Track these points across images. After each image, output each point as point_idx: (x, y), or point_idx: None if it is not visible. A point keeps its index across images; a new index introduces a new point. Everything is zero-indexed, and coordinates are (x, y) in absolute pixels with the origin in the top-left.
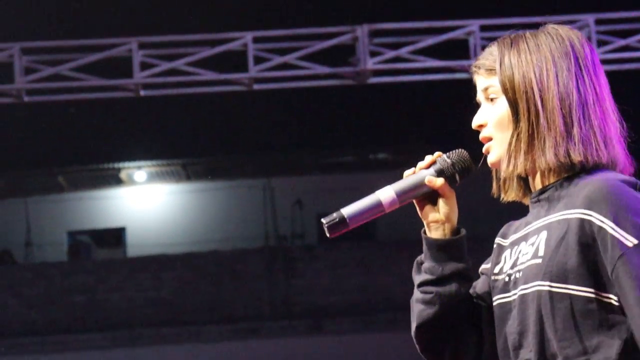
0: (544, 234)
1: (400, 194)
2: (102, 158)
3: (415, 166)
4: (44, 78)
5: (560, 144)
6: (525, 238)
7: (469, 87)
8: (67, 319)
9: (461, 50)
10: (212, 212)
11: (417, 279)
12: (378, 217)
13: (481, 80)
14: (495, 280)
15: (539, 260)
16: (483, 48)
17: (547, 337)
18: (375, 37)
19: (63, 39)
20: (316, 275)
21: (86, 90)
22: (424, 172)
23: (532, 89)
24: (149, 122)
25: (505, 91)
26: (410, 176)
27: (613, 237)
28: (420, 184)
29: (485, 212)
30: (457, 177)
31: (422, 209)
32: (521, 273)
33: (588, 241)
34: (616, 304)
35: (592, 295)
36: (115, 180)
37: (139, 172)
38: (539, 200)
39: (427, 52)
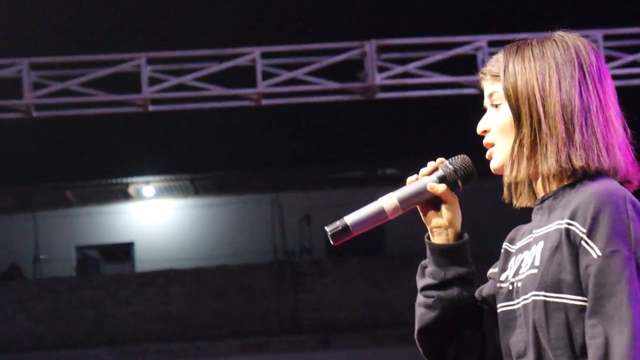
0: (541, 244)
1: (403, 201)
2: (110, 173)
3: (418, 173)
4: (52, 93)
5: (562, 150)
6: (528, 247)
7: (477, 102)
8: (75, 333)
9: (469, 65)
10: (221, 227)
11: (420, 283)
12: (381, 224)
13: (487, 86)
14: (501, 288)
15: (535, 271)
16: None
17: (543, 346)
18: (384, 53)
19: (71, 55)
20: (324, 290)
21: (94, 106)
22: (426, 178)
23: (534, 95)
24: (157, 137)
25: (508, 97)
26: (413, 183)
27: (584, 248)
28: (423, 191)
29: (493, 221)
30: (460, 183)
31: (425, 214)
32: (521, 283)
33: (576, 250)
34: None
35: (585, 304)
36: (123, 195)
37: (147, 187)
38: (541, 208)
39: (435, 67)
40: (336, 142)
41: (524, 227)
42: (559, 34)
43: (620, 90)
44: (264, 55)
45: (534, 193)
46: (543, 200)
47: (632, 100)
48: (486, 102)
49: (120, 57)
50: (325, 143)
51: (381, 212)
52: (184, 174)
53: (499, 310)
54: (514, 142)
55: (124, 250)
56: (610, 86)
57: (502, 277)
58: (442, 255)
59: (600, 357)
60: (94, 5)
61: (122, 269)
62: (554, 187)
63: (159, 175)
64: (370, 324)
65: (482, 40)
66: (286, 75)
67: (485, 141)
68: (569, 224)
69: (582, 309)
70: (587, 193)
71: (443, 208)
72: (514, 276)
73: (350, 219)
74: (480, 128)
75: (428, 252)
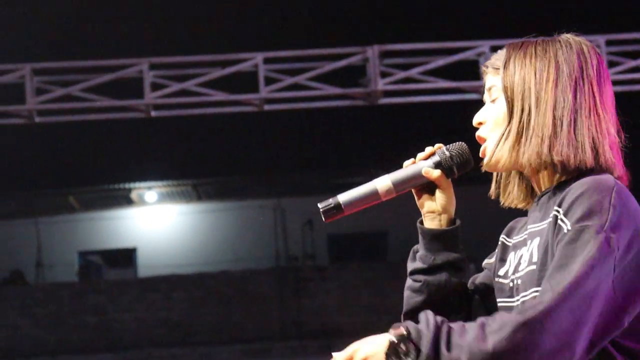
0: (537, 240)
1: (397, 184)
2: (113, 178)
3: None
4: (55, 99)
5: (545, 142)
6: (524, 243)
7: (480, 107)
8: (78, 339)
9: (472, 71)
10: (223, 233)
11: (410, 266)
12: (373, 205)
13: (488, 79)
14: (501, 283)
15: (534, 267)
16: None
17: None
18: (386, 58)
19: (74, 60)
20: (327, 296)
21: (97, 111)
22: (422, 163)
23: (529, 89)
24: (159, 142)
25: (505, 90)
26: (409, 166)
27: (559, 226)
28: (418, 175)
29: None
30: (455, 170)
31: (419, 198)
32: (520, 280)
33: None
34: None
35: None
36: (126, 200)
37: (149, 192)
38: (537, 204)
39: (438, 73)
40: (339, 147)
41: (522, 221)
42: (565, 36)
43: (622, 96)
44: (267, 61)
45: (524, 193)
46: (540, 198)
47: (635, 105)
48: (485, 96)
49: (123, 63)
50: (327, 148)
51: (374, 193)
52: (187, 180)
53: (500, 305)
54: (502, 133)
55: (127, 256)
56: (609, 91)
57: (501, 272)
58: (433, 240)
59: (526, 310)
60: (97, 11)
61: (124, 275)
62: (547, 185)
63: (161, 180)
64: (373, 329)
65: (484, 45)
66: (289, 80)
67: (478, 134)
68: (556, 210)
69: None
70: (573, 185)
71: (437, 193)
72: (513, 273)
73: (343, 197)
74: (476, 120)
75: (420, 237)
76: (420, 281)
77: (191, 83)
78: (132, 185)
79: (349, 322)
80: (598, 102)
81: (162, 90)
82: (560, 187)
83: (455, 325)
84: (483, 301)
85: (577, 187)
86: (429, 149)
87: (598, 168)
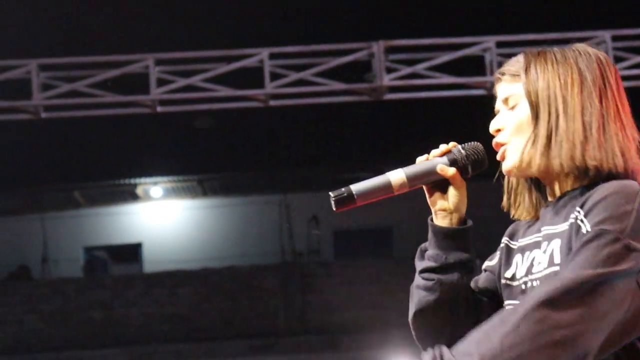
0: (557, 242)
1: (411, 178)
2: (118, 174)
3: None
4: (61, 94)
5: (577, 147)
6: (538, 245)
7: (485, 103)
8: (84, 334)
9: (477, 66)
10: (228, 228)
11: (420, 265)
12: (385, 198)
13: (503, 87)
14: (509, 285)
15: (557, 268)
16: (499, 64)
17: None
18: (391, 54)
19: (80, 56)
20: (332, 292)
21: (103, 107)
22: (437, 159)
23: (554, 94)
24: (165, 138)
25: (528, 95)
26: (423, 162)
27: (579, 226)
28: (432, 171)
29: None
30: (470, 169)
31: (431, 195)
32: (538, 282)
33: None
34: None
35: None
36: (131, 196)
37: (155, 188)
38: (555, 207)
39: (443, 68)
40: (344, 143)
41: (524, 224)
42: (578, 45)
43: (629, 91)
44: (272, 56)
45: (533, 205)
46: (558, 200)
47: None
48: (498, 105)
49: (129, 59)
50: (333, 144)
51: (388, 186)
52: (192, 175)
53: (507, 308)
54: (529, 137)
55: (132, 251)
56: (625, 99)
57: (508, 274)
58: (445, 238)
59: (533, 295)
60: (102, 7)
61: (130, 270)
62: (568, 188)
63: (167, 176)
64: (378, 325)
65: (490, 41)
66: (294, 76)
67: (497, 140)
68: (577, 212)
69: None
70: (598, 188)
71: (450, 191)
72: (526, 275)
73: (356, 187)
74: (493, 127)
75: (430, 234)
76: (433, 280)
77: (197, 78)
78: (137, 180)
79: (354, 318)
80: (620, 108)
81: (168, 85)
82: (582, 190)
83: None
84: (489, 303)
85: (601, 191)
86: (443, 146)
87: (624, 173)
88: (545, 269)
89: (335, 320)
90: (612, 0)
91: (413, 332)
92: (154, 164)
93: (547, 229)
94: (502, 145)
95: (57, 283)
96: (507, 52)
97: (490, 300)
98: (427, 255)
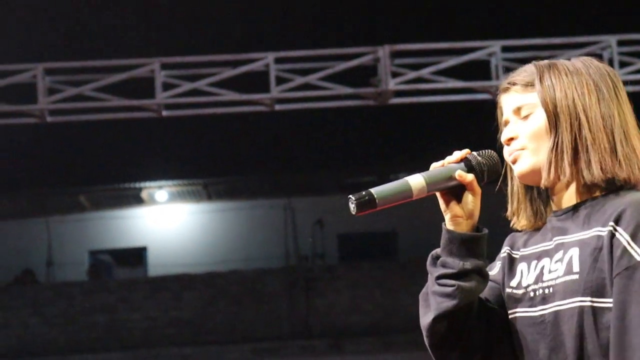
0: (575, 250)
1: (430, 183)
2: (123, 178)
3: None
4: (66, 98)
5: (605, 159)
6: (547, 254)
7: (490, 107)
8: (88, 338)
9: (482, 71)
10: (233, 232)
11: (436, 271)
12: (403, 202)
13: (514, 97)
14: (514, 294)
15: (576, 277)
16: (505, 69)
17: (587, 353)
18: (397, 58)
19: (86, 60)
20: (336, 295)
21: (108, 111)
22: (454, 165)
23: (573, 105)
24: (170, 142)
25: (545, 104)
26: (441, 168)
27: (625, 249)
28: (451, 177)
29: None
30: (486, 176)
31: (447, 202)
32: (552, 289)
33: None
34: None
35: None
36: (136, 199)
37: (160, 191)
38: (570, 216)
39: (449, 72)
40: (349, 147)
41: (523, 235)
42: (584, 57)
43: (633, 96)
44: (278, 61)
45: (535, 216)
46: (574, 209)
47: None
48: (507, 115)
49: (134, 63)
50: (338, 148)
51: (407, 191)
52: (197, 179)
53: (514, 316)
54: (552, 144)
55: (137, 255)
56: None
57: (513, 283)
58: (462, 244)
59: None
60: (108, 11)
61: (134, 274)
62: (584, 197)
63: (171, 180)
64: (382, 329)
65: (495, 45)
66: (299, 80)
67: (512, 147)
68: (614, 229)
69: None
70: (628, 201)
71: (467, 198)
72: (535, 283)
73: (377, 191)
74: (506, 136)
75: (446, 241)
76: (453, 286)
77: (202, 83)
78: (142, 184)
79: (359, 322)
80: (634, 119)
81: (173, 89)
82: (602, 200)
83: None
84: (497, 311)
85: (633, 207)
86: (458, 153)
87: None
88: (561, 276)
89: (340, 324)
90: (617, 5)
91: (428, 338)
92: (159, 167)
93: (560, 238)
94: (517, 150)
95: (62, 287)
96: (512, 56)
97: (499, 308)
98: (443, 262)
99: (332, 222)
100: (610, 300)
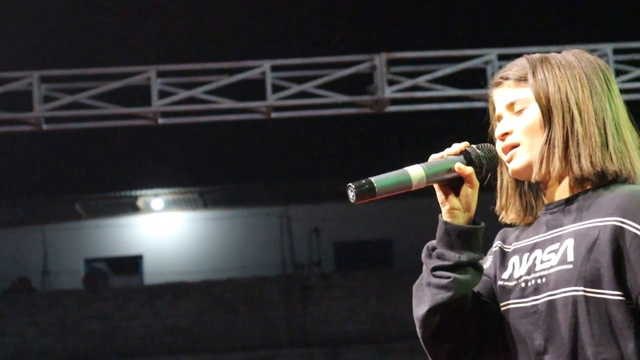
0: (570, 241)
1: (430, 175)
2: (119, 186)
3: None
4: (62, 106)
5: (596, 153)
6: (540, 245)
7: (487, 115)
8: (84, 346)
9: (479, 79)
10: (229, 240)
11: (431, 263)
12: (402, 192)
13: (507, 92)
14: (506, 286)
15: (570, 266)
16: None
17: (582, 342)
18: (393, 66)
19: (82, 68)
20: (333, 304)
21: (104, 118)
22: (453, 157)
23: (566, 98)
24: (166, 150)
25: (539, 98)
26: (440, 159)
27: (633, 234)
28: (450, 169)
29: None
30: (484, 170)
31: (443, 194)
32: (545, 279)
33: (620, 248)
34: None
35: (626, 299)
36: (132, 208)
37: (156, 199)
38: (562, 209)
39: (445, 80)
40: (345, 155)
41: (514, 230)
42: (576, 50)
43: (630, 104)
44: (274, 69)
45: (524, 210)
46: (567, 202)
47: None
48: (500, 110)
49: (131, 70)
50: (334, 156)
51: (407, 181)
52: (193, 187)
53: (505, 308)
54: (545, 140)
55: (133, 263)
56: (623, 103)
57: (505, 276)
58: (459, 237)
59: None
60: (104, 19)
61: (131, 282)
62: (575, 191)
63: (168, 188)
64: (379, 337)
65: (492, 53)
66: (296, 88)
67: (506, 143)
68: (619, 221)
69: (623, 304)
70: (629, 193)
71: (464, 191)
72: (527, 274)
73: (376, 180)
74: (500, 131)
75: (442, 233)
76: (449, 277)
77: (199, 90)
78: (138, 192)
79: (355, 330)
80: (625, 113)
81: (170, 97)
82: (593, 191)
83: None
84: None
85: (632, 198)
86: (457, 146)
87: (634, 176)
88: (554, 266)
89: (336, 332)
90: (613, 14)
91: (421, 330)
92: (155, 175)
93: (554, 231)
94: (513, 146)
95: (58, 295)
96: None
97: (494, 302)
98: (439, 254)
99: (329, 230)
100: (605, 291)
